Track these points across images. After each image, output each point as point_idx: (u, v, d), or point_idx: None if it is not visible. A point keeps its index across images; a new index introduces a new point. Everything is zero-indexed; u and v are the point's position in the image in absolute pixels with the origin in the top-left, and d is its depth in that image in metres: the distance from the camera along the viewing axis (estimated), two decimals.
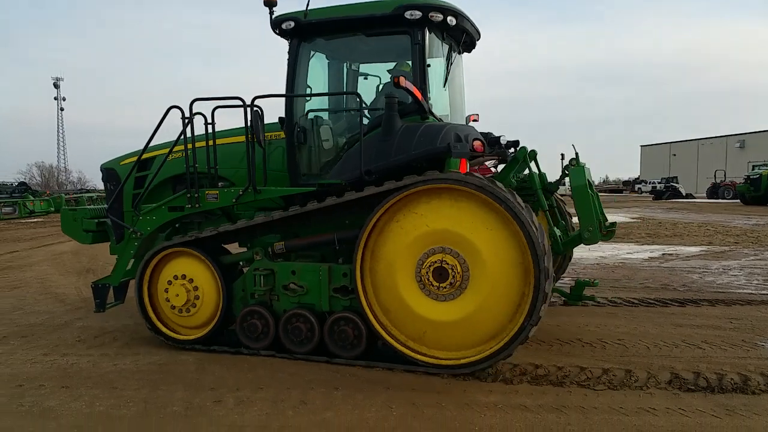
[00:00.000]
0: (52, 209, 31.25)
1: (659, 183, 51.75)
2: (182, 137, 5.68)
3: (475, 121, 6.95)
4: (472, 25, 5.99)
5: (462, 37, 6.04)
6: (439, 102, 5.91)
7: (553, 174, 6.56)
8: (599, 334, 6.03)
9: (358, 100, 5.43)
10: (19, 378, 4.94)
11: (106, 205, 6.50)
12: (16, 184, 41.08)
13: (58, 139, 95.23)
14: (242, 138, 5.69)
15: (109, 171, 6.63)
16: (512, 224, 4.65)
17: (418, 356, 4.94)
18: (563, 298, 6.78)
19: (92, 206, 7.44)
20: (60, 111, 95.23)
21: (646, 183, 61.03)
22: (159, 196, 6.18)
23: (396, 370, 4.94)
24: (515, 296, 4.71)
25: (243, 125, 5.52)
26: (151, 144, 5.95)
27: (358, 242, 5.04)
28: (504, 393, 4.46)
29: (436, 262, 4.84)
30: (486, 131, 6.33)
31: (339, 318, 5.24)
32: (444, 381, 4.72)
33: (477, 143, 5.28)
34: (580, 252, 12.38)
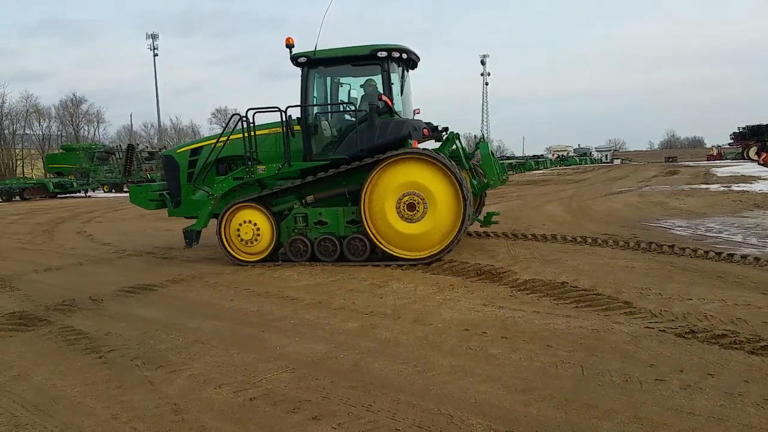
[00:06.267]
0: None
1: None
2: (224, 132, 9.37)
3: (418, 113, 9.83)
4: (415, 54, 9.38)
5: (410, 63, 9.56)
6: (398, 103, 9.19)
7: None
8: None
9: (353, 107, 9.15)
10: (465, 323, 5.53)
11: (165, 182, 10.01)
12: None
13: (482, 111, 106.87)
14: (270, 131, 9.20)
15: (167, 158, 9.95)
16: (449, 177, 8.24)
17: (400, 255, 8.50)
18: (479, 224, 10.32)
19: (156, 183, 10.25)
20: (485, 86, 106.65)
21: None
22: (206, 174, 9.59)
23: None
24: (453, 218, 8.33)
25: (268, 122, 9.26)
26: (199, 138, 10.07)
27: (363, 191, 8.47)
28: None
29: (408, 200, 8.33)
30: (429, 121, 9.59)
31: (352, 238, 8.73)
32: None
33: (425, 130, 8.99)
34: None
